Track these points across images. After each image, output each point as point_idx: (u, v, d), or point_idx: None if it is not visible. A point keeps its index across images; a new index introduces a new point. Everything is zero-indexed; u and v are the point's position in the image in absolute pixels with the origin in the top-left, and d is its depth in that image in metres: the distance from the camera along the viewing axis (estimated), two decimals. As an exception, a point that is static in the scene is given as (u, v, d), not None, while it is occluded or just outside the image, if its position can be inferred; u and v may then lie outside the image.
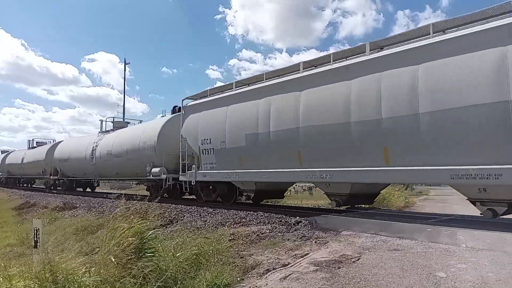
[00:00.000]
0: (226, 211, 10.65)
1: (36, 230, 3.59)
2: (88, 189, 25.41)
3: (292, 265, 4.92)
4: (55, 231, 9.69)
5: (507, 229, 6.42)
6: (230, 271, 4.57)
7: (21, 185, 34.09)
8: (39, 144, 33.08)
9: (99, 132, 21.76)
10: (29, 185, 33.91)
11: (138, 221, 4.65)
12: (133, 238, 4.07)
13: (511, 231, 6.27)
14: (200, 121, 13.08)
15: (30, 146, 33.96)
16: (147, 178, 15.77)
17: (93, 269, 3.36)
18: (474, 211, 7.52)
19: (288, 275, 4.42)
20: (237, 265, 4.97)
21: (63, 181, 24.57)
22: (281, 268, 4.78)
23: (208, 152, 12.59)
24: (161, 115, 17.74)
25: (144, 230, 4.50)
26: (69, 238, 8.71)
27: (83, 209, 13.94)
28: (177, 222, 9.56)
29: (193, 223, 9.04)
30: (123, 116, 34.91)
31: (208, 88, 13.53)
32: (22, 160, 31.36)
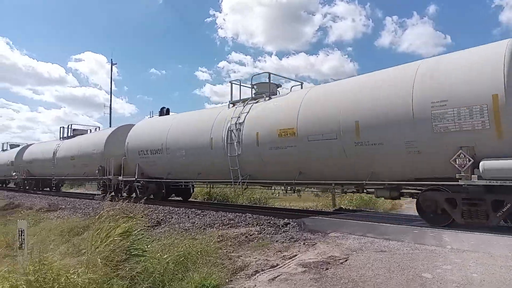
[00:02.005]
0: (214, 213, 10.62)
1: (21, 231, 3.53)
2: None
3: (280, 266, 4.94)
4: (41, 232, 9.52)
5: (491, 231, 6.56)
6: (219, 272, 4.56)
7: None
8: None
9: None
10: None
11: (125, 221, 4.60)
12: (121, 239, 4.03)
13: (495, 233, 6.40)
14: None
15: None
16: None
17: (81, 269, 3.31)
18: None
19: (277, 276, 4.43)
20: (226, 267, 4.97)
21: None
22: (270, 270, 4.79)
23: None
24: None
25: (132, 230, 4.45)
26: (55, 239, 8.57)
27: (68, 210, 13.74)
28: (165, 223, 9.50)
29: (181, 224, 8.99)
30: (110, 117, 34.63)
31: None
32: None
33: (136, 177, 15.52)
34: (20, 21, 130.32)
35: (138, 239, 4.58)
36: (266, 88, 11.95)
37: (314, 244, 6.23)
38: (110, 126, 30.46)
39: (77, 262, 4.26)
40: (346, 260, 5.05)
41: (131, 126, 17.81)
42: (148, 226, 8.39)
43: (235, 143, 11.34)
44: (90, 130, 24.47)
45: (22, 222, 3.67)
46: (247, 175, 11.35)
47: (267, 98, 11.65)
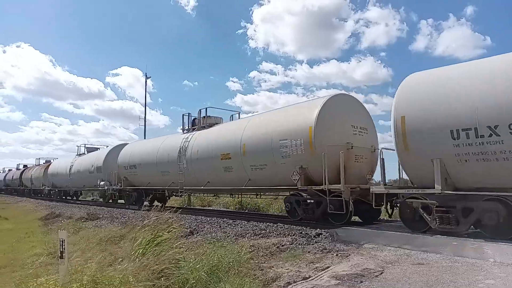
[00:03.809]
0: (246, 222, 10.67)
1: (62, 241, 3.70)
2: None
3: (313, 278, 4.87)
4: (79, 241, 9.90)
5: (538, 243, 6.17)
6: (250, 283, 4.55)
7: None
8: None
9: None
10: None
11: (163, 232, 4.72)
12: (161, 249, 4.14)
13: (542, 246, 6.02)
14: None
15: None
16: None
17: (130, 278, 3.42)
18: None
19: (309, 289, 4.37)
20: (257, 277, 4.96)
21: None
22: (302, 281, 4.73)
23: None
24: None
25: (170, 240, 4.56)
26: (93, 248, 8.88)
27: (106, 220, 14.20)
28: (197, 233, 9.61)
29: (213, 234, 9.07)
30: (144, 129, 35.81)
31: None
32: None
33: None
34: (62, 39, 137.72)
35: (176, 248, 4.68)
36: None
37: (347, 256, 6.11)
38: (144, 138, 32.22)
39: (114, 271, 4.40)
40: (381, 273, 4.90)
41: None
42: (181, 236, 8.55)
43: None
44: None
45: (62, 232, 3.84)
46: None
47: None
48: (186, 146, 15.08)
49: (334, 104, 10.34)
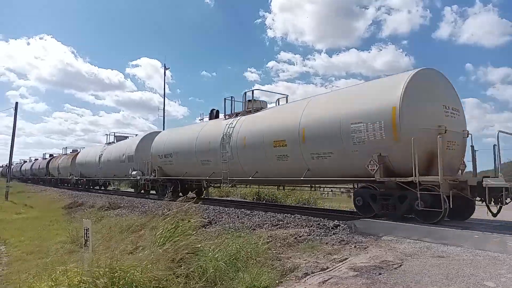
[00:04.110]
0: (263, 213, 10.72)
1: (86, 230, 3.81)
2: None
3: (331, 270, 4.87)
4: (101, 230, 10.19)
5: None
6: (268, 273, 4.60)
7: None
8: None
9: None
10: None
11: (183, 221, 4.81)
12: (182, 238, 4.23)
13: None
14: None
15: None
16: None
17: (146, 266, 3.51)
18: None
19: (327, 280, 4.38)
20: (275, 268, 5.00)
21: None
22: (320, 272, 4.75)
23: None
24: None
25: (190, 230, 4.65)
26: (115, 236, 9.13)
27: (126, 209, 14.54)
28: (215, 223, 9.74)
29: (231, 224, 9.17)
30: (163, 120, 36.08)
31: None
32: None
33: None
34: (83, 30, 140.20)
35: (195, 238, 4.76)
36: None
37: (365, 248, 6.08)
38: (163, 129, 32.20)
39: (134, 259, 4.52)
40: (400, 266, 4.87)
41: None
42: (201, 226, 8.68)
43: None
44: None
45: (87, 221, 3.95)
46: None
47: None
48: (230, 132, 13.60)
49: (422, 79, 8.56)
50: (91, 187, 31.95)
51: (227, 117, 15.16)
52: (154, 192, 20.06)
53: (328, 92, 11.85)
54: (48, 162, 44.35)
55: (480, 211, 8.21)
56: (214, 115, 17.48)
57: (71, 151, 40.43)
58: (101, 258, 3.60)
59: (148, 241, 6.26)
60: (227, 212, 11.32)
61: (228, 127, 13.88)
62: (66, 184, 37.71)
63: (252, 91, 14.50)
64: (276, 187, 14.44)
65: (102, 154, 26.84)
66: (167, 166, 18.14)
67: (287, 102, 13.78)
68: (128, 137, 27.45)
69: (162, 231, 5.60)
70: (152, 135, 21.56)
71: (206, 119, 17.70)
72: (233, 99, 15.22)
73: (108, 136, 28.31)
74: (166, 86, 42.55)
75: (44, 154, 52.96)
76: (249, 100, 14.50)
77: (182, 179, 17.37)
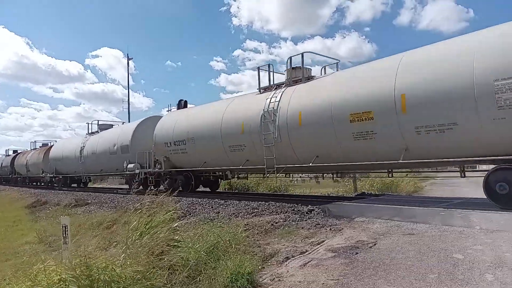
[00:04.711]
0: (237, 202, 10.78)
1: (65, 227, 3.70)
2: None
3: (310, 252, 5.02)
4: (70, 227, 9.86)
5: (519, 210, 6.48)
6: (250, 260, 4.66)
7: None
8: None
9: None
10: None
11: (158, 214, 4.76)
12: (160, 231, 4.19)
13: (524, 212, 6.32)
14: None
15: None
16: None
17: (126, 261, 3.46)
18: (484, 194, 7.55)
19: (308, 262, 4.51)
20: (256, 254, 5.07)
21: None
22: (300, 256, 4.87)
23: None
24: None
25: (167, 222, 4.61)
26: (85, 233, 8.87)
27: (95, 205, 14.15)
28: (190, 214, 9.69)
29: (206, 215, 9.16)
30: (128, 112, 35.15)
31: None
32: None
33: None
34: (38, 20, 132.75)
35: (174, 230, 4.73)
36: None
37: (340, 230, 6.29)
38: (129, 121, 30.99)
39: (110, 255, 4.44)
40: (374, 244, 5.09)
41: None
42: (175, 218, 8.61)
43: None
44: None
45: (65, 218, 3.85)
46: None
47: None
48: (275, 108, 10.86)
49: None
50: (71, 185, 27.19)
51: (262, 91, 12.46)
52: (159, 188, 16.06)
53: (435, 43, 8.65)
54: (13, 159, 39.32)
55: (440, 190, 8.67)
56: (182, 106, 17.24)
57: (40, 145, 36.34)
58: (76, 256, 3.51)
59: (123, 236, 6.16)
60: (201, 203, 11.28)
61: (271, 102, 11.14)
62: (36, 183, 33.80)
63: (302, 54, 11.53)
64: (335, 174, 11.79)
65: (83, 147, 23.06)
66: (177, 156, 14.95)
67: (337, 69, 11.58)
68: (113, 125, 24.32)
69: (136, 224, 5.52)
70: (152, 120, 18.22)
71: (174, 108, 17.32)
72: (272, 67, 12.46)
73: (90, 124, 24.45)
74: (130, 77, 41.28)
75: (6, 151, 47.26)
76: (293, 68, 11.75)
77: (196, 171, 14.56)
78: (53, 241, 8.47)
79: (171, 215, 5.97)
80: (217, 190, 17.35)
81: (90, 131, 24.46)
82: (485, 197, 7.22)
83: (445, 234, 5.32)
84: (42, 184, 31.52)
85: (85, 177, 24.56)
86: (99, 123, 24.26)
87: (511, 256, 4.08)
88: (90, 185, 28.73)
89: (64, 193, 21.75)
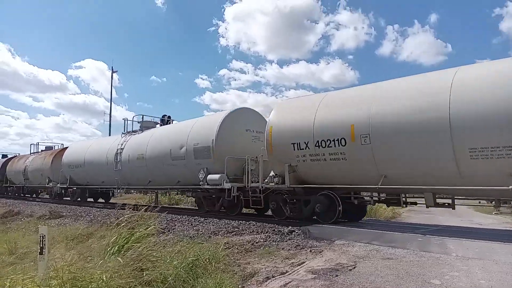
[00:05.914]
0: (217, 220, 10.68)
1: (42, 237, 3.59)
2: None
3: (290, 273, 5.00)
4: (48, 238, 9.50)
5: (493, 238, 6.67)
6: (230, 278, 4.62)
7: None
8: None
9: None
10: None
11: (139, 229, 4.68)
12: (142, 246, 4.11)
13: (497, 241, 6.51)
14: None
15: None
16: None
17: (107, 275, 3.38)
18: (459, 222, 7.79)
19: (288, 283, 4.49)
20: (236, 273, 5.02)
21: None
22: (280, 276, 4.85)
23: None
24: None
25: (147, 238, 4.53)
26: (59, 247, 8.57)
27: (69, 218, 13.71)
28: (168, 231, 9.52)
29: (185, 232, 9.03)
30: (110, 125, 34.58)
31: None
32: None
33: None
34: (22, 27, 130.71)
35: (153, 244, 4.65)
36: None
37: (320, 252, 6.31)
38: (109, 134, 30.21)
39: (100, 268, 4.31)
40: (354, 267, 5.12)
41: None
42: (152, 234, 8.43)
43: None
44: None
45: (43, 228, 3.73)
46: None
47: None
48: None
49: None
50: (86, 199, 21.46)
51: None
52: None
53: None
54: (3, 165, 30.74)
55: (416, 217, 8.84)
56: (165, 122, 17.19)
57: (43, 148, 28.61)
58: (57, 267, 3.41)
59: (98, 251, 5.99)
60: (180, 220, 11.13)
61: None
62: (35, 195, 27.65)
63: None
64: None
65: (122, 149, 17.31)
66: (318, 166, 9.67)
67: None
68: (158, 123, 18.39)
69: (116, 238, 5.40)
70: (242, 114, 13.49)
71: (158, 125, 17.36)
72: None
73: (126, 121, 18.78)
74: (113, 90, 41.05)
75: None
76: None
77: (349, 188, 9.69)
78: (24, 253, 8.14)
79: (151, 230, 5.88)
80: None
81: (126, 130, 18.67)
82: (459, 225, 7.42)
83: (423, 260, 5.41)
84: (46, 196, 25.94)
85: (119, 190, 18.95)
86: (144, 119, 18.49)
87: (486, 284, 4.19)
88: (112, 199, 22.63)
89: (38, 204, 21.03)
